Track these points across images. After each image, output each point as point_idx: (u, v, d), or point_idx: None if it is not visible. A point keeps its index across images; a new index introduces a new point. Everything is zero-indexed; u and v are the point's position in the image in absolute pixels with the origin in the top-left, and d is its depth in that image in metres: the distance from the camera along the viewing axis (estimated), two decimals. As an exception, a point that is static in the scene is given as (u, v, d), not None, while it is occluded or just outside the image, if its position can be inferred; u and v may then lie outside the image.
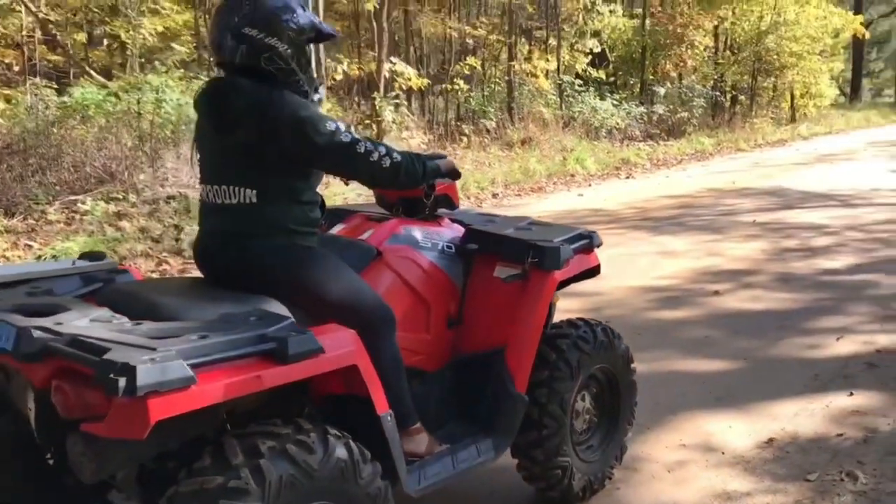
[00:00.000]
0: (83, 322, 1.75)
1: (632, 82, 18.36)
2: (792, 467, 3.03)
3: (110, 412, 1.51)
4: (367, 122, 11.67)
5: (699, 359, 4.21)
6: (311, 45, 2.26)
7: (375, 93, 11.34)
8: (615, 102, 15.95)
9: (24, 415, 1.93)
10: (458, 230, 2.67)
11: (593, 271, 2.84)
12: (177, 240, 6.49)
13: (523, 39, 17.01)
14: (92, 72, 9.97)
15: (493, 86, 15.48)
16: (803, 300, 5.29)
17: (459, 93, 13.39)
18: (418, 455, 2.25)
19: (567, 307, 4.51)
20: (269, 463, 1.63)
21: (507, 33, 15.23)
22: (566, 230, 2.79)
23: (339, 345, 1.86)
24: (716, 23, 18.92)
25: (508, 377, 2.47)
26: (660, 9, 18.57)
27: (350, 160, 2.15)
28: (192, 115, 8.04)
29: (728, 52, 20.35)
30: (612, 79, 17.40)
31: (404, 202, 2.62)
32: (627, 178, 11.89)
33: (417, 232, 2.54)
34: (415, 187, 2.44)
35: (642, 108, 16.53)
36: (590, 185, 11.12)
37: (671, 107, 17.28)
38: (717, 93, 19.29)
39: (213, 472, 1.61)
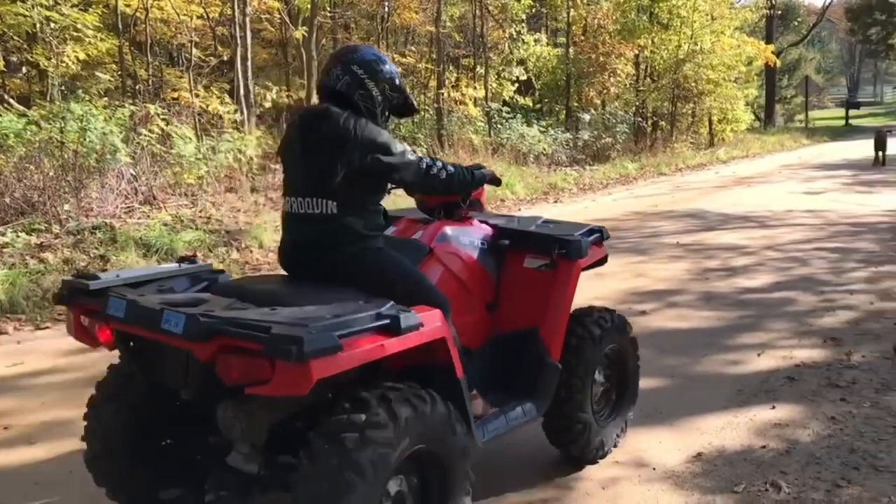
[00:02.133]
0: (229, 310, 2.18)
1: (557, 109, 18.78)
2: (719, 480, 3.13)
3: (276, 376, 1.88)
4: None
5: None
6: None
7: (305, 120, 11.29)
8: (542, 129, 16.28)
9: (145, 398, 2.52)
10: (487, 229, 3.12)
11: (602, 261, 3.30)
12: (103, 270, 6.32)
13: (451, 67, 17.26)
14: (10, 100, 9.68)
15: (422, 113, 15.64)
16: (726, 318, 5.48)
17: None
18: (477, 416, 2.65)
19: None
20: (398, 405, 2.11)
21: (436, 61, 15.43)
22: (579, 226, 3.26)
23: (432, 321, 2.29)
24: (636, 51, 19.55)
25: (545, 349, 2.94)
26: (583, 38, 19.08)
27: (416, 174, 2.60)
28: (118, 143, 7.82)
29: (648, 80, 21.02)
30: (538, 106, 17.78)
31: (444, 206, 3.08)
32: (556, 202, 12.12)
33: (458, 231, 2.99)
34: (467, 192, 2.98)
35: (568, 135, 16.90)
36: (520, 209, 11.29)
37: (596, 133, 17.73)
38: (639, 119, 19.88)
39: (356, 412, 2.07)
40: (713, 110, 22.14)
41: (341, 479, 1.99)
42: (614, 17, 19.21)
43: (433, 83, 16.05)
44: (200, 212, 8.57)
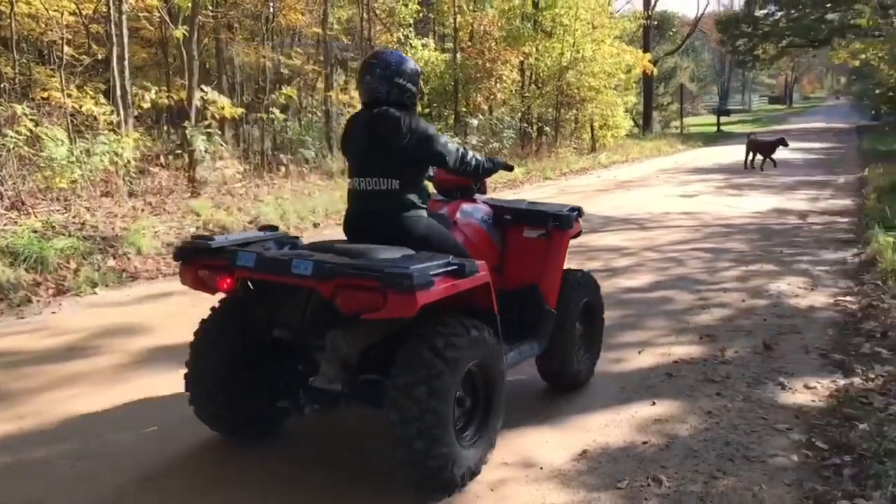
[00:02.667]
0: (338, 258, 2.82)
1: (446, 114, 18.90)
2: (604, 477, 3.21)
3: (388, 304, 2.59)
4: (178, 151, 11.22)
5: (516, 378, 4.36)
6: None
7: (186, 122, 10.93)
8: (431, 133, 16.35)
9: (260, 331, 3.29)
10: (488, 208, 3.95)
11: (577, 234, 4.05)
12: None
13: (340, 70, 17.10)
14: None
15: (310, 115, 15.41)
16: (608, 318, 5.55)
17: (276, 122, 13.13)
18: None
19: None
20: (465, 328, 2.93)
21: (323, 63, 15.24)
22: (560, 205, 4.09)
23: (483, 269, 3.01)
24: (521, 58, 19.92)
25: (544, 300, 3.74)
26: (469, 44, 19.30)
27: (455, 161, 3.40)
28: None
29: (533, 86, 21.44)
30: (427, 110, 17.84)
31: (459, 188, 3.91)
32: (445, 206, 12.18)
33: (472, 209, 3.84)
34: (488, 175, 3.74)
35: (457, 139, 17.05)
36: (409, 213, 11.28)
37: (484, 137, 17.96)
38: (525, 124, 20.28)
39: (442, 326, 2.89)
40: (595, 116, 22.79)
41: (433, 368, 2.78)
42: (500, 24, 19.51)
43: (321, 85, 15.85)
44: (74, 217, 8.12)
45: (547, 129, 21.81)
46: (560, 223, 3.86)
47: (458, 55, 18.39)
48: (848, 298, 6.14)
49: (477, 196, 3.96)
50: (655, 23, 36.60)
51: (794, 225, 9.94)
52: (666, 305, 6.01)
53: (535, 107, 20.79)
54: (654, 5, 38.92)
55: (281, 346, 3.34)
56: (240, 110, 12.10)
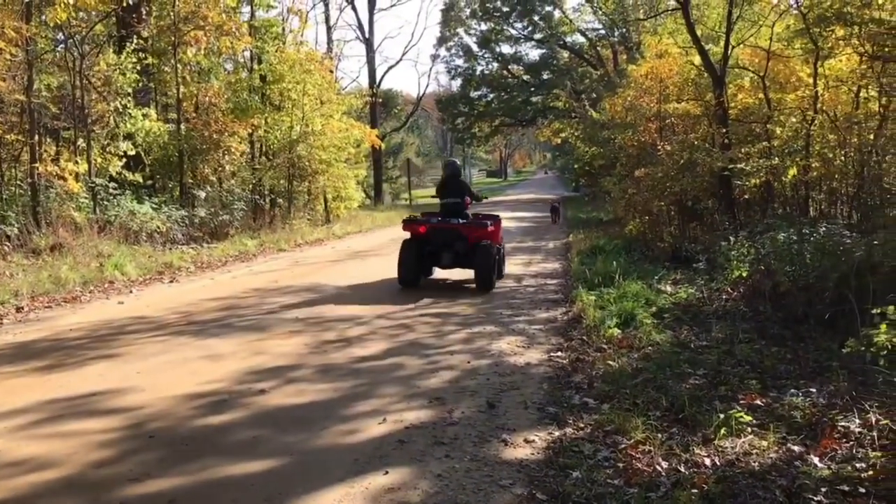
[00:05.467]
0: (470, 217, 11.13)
1: (171, 185, 18.10)
2: (338, 555, 3.12)
3: (491, 235, 10.58)
4: None
5: (248, 461, 4.17)
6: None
7: None
8: (154, 206, 15.54)
9: (438, 247, 10.56)
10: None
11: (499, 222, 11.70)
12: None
13: (49, 140, 15.75)
14: None
15: (13, 189, 13.97)
16: (342, 388, 5.62)
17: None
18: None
19: (109, 425, 4.21)
20: (494, 246, 10.72)
21: (29, 133, 13.94)
22: (496, 214, 12.32)
23: (498, 226, 11.26)
24: (250, 130, 19.75)
25: (497, 248, 10.94)
26: (195, 115, 18.78)
27: (475, 196, 11.39)
28: None
29: (264, 158, 21.32)
30: (150, 182, 16.95)
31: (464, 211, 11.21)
32: (172, 282, 11.55)
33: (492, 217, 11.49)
34: (479, 202, 11.83)
35: (184, 212, 16.36)
36: (131, 291, 10.54)
37: (213, 210, 17.41)
38: (257, 196, 20.00)
39: (490, 245, 10.56)
40: (327, 188, 23.08)
41: (489, 254, 10.25)
42: (226, 96, 19.26)
43: (26, 156, 14.44)
44: None
45: (280, 200, 21.67)
46: (496, 220, 11.20)
47: (183, 126, 17.78)
48: (559, 354, 6.68)
49: (472, 207, 11.55)
50: (381, 100, 38.27)
51: (512, 288, 10.70)
52: (397, 372, 6.12)
53: (266, 179, 20.61)
54: (379, 84, 40.81)
55: (429, 252, 10.48)
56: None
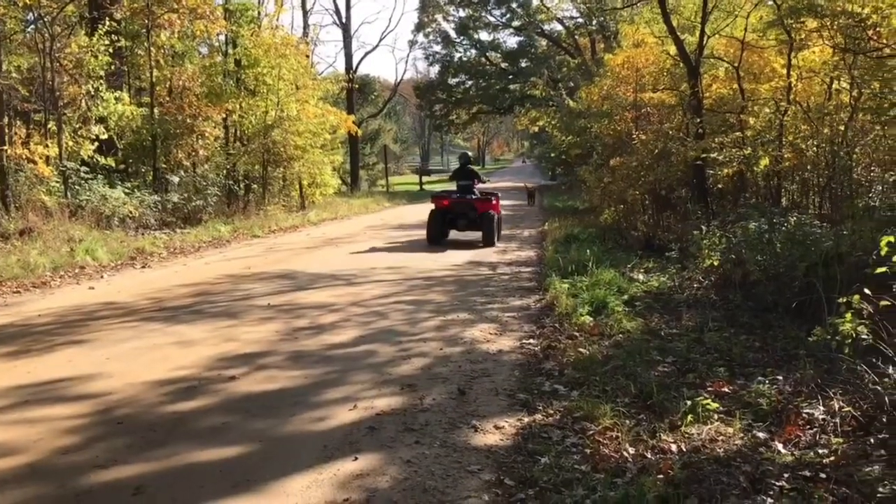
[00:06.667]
0: (478, 194, 15.39)
1: (144, 170, 17.90)
2: (305, 540, 3.13)
3: (494, 207, 15.00)
4: None
5: (217, 447, 4.16)
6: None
7: None
8: (127, 190, 15.37)
9: (456, 216, 14.91)
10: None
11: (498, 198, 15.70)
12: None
13: (19, 122, 15.50)
14: None
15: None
16: (313, 375, 5.61)
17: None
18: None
19: (77, 412, 4.19)
20: (496, 214, 15.20)
21: (-3, 115, 13.69)
22: (495, 192, 16.33)
23: (498, 200, 15.31)
24: (224, 115, 19.58)
25: (498, 217, 15.22)
26: (168, 99, 18.57)
27: (479, 178, 15.71)
28: None
29: (239, 143, 21.14)
30: (122, 166, 16.75)
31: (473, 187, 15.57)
32: (144, 267, 11.45)
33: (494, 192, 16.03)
34: (483, 184, 16.25)
35: (156, 196, 16.19)
36: (102, 276, 10.44)
37: (186, 195, 17.26)
38: (231, 181, 19.84)
39: (492, 214, 14.93)
40: (303, 174, 22.94)
41: (492, 219, 14.53)
42: (200, 80, 19.05)
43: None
44: None
45: (255, 186, 21.54)
46: (496, 196, 15.36)
47: (156, 110, 17.58)
48: (531, 341, 6.72)
49: (479, 186, 15.67)
50: (357, 86, 38.03)
51: (487, 276, 10.73)
52: (369, 359, 6.11)
53: (241, 164, 20.44)
54: (356, 69, 40.52)
55: (449, 219, 14.84)
56: None
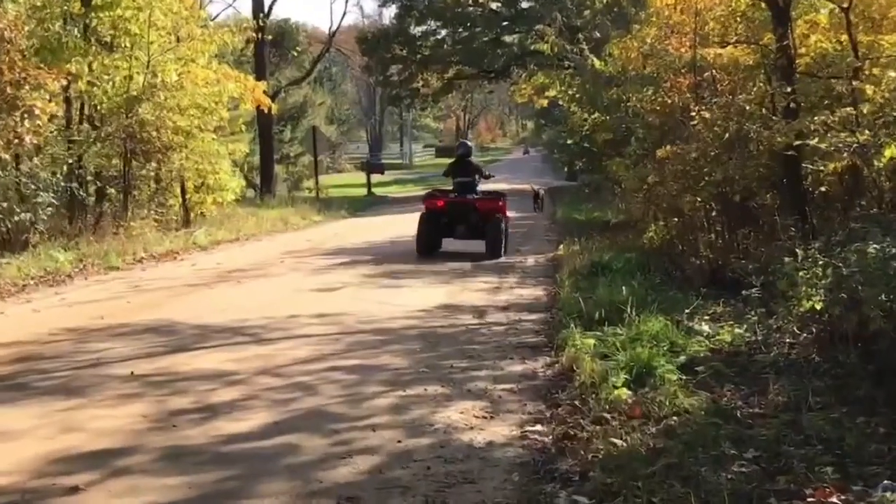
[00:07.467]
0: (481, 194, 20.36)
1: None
2: None
3: (501, 208, 19.17)
4: None
5: None
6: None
7: None
8: None
9: (453, 220, 18.95)
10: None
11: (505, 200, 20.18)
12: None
13: None
14: None
15: None
16: (200, 484, 5.54)
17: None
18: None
19: None
20: (503, 219, 19.58)
21: None
22: (500, 191, 21.30)
23: (506, 201, 19.71)
24: (66, 82, 19.45)
25: (506, 220, 19.50)
26: (-22, 58, 18.47)
27: (483, 174, 20.63)
28: None
29: (87, 125, 20.97)
30: None
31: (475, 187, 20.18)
32: (-64, 318, 11.35)
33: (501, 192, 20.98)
34: (488, 180, 21.30)
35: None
36: None
37: (5, 205, 17.12)
38: (75, 184, 19.66)
39: (500, 218, 19.28)
40: (187, 173, 22.84)
41: (499, 226, 18.53)
42: (28, 30, 18.96)
43: None
44: None
45: (112, 191, 21.42)
46: (505, 197, 19.69)
47: (-42, 74, 17.47)
48: (538, 428, 6.71)
49: (482, 183, 20.48)
50: (271, 37, 38.13)
51: (469, 326, 10.76)
52: (289, 458, 6.07)
53: (90, 157, 20.32)
54: (269, 12, 40.47)
55: (444, 224, 18.65)
56: None
